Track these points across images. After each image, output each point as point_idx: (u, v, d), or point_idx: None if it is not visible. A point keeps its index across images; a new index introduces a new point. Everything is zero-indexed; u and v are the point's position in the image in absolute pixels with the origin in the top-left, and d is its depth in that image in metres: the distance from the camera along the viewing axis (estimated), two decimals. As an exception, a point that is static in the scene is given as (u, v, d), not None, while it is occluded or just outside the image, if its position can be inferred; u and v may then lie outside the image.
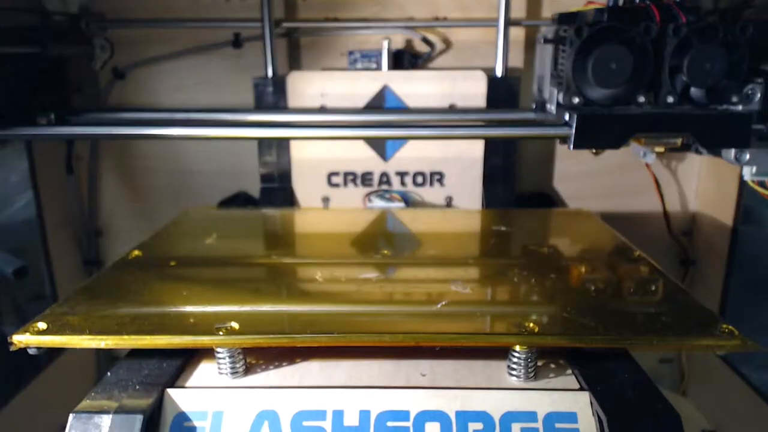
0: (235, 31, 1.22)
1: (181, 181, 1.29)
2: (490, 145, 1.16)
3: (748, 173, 0.85)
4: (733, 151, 0.83)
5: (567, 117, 0.84)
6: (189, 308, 0.65)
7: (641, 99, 0.83)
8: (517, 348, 0.57)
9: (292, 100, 1.15)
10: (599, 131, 0.82)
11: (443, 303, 0.67)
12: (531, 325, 0.60)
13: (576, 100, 0.84)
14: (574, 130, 0.81)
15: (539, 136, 0.91)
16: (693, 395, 1.23)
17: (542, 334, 0.59)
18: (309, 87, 1.15)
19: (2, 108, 0.93)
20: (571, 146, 0.82)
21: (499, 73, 1.15)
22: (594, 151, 0.98)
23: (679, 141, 0.83)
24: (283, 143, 1.17)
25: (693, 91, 0.83)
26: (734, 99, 0.82)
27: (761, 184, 0.88)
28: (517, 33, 1.20)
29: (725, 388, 1.12)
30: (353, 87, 1.15)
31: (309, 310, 0.68)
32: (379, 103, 1.15)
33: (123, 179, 1.31)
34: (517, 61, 1.22)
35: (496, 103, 1.15)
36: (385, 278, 0.76)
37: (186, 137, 0.94)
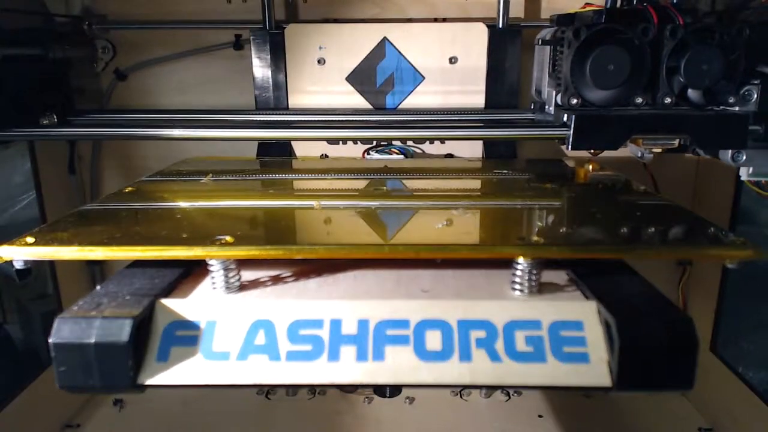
0: (236, 32, 1.23)
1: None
2: (491, 101, 1.16)
3: (744, 174, 0.86)
4: (730, 152, 0.84)
5: (565, 118, 0.84)
6: (183, 228, 0.64)
7: (639, 100, 0.84)
8: (521, 260, 0.56)
9: (290, 54, 1.15)
10: (597, 132, 0.83)
11: (444, 223, 0.66)
12: (535, 238, 0.59)
13: (574, 101, 0.85)
14: (572, 131, 0.82)
15: (537, 137, 0.91)
16: (690, 394, 1.24)
17: (546, 244, 0.58)
18: (307, 40, 1.15)
19: (5, 109, 0.93)
20: (569, 147, 0.83)
21: (500, 24, 1.14)
22: (592, 151, 0.99)
23: (676, 142, 0.84)
24: (280, 91, 1.17)
25: (690, 92, 0.84)
26: (731, 100, 0.83)
27: (758, 184, 0.89)
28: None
29: (722, 386, 1.13)
30: (352, 39, 1.15)
31: (307, 231, 0.68)
32: (378, 55, 1.15)
33: (124, 179, 1.31)
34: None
35: (498, 55, 1.14)
36: (385, 207, 0.75)
37: (187, 138, 0.93)
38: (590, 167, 0.98)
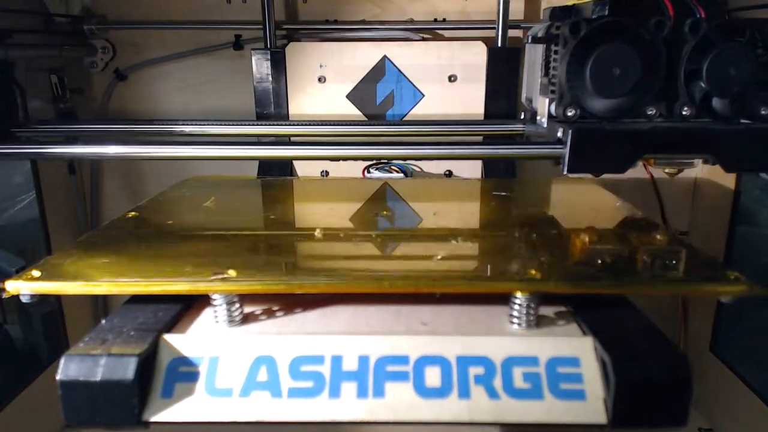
0: (236, 32, 1.23)
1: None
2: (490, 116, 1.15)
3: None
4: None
5: (560, 133, 0.71)
6: (186, 259, 0.64)
7: (651, 111, 0.71)
8: (519, 295, 0.56)
9: (291, 72, 1.15)
10: (600, 151, 0.70)
11: (443, 255, 0.66)
12: (533, 272, 0.59)
13: (571, 112, 0.71)
14: (568, 149, 0.69)
15: (525, 156, 0.81)
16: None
17: (544, 280, 0.58)
18: (308, 58, 1.15)
19: None
20: (565, 169, 0.70)
21: (499, 42, 1.14)
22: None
23: (697, 162, 0.73)
24: (280, 108, 1.17)
25: (714, 101, 0.71)
26: (764, 111, 0.70)
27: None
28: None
29: (722, 386, 1.13)
30: (352, 58, 1.15)
31: (308, 262, 0.68)
32: (379, 73, 1.15)
33: (124, 179, 1.32)
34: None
35: (497, 73, 1.14)
36: (384, 234, 0.75)
37: (184, 158, 0.83)
38: (588, 189, 0.97)
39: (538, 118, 0.80)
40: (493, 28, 1.14)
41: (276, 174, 1.16)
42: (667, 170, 0.76)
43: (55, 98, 1.19)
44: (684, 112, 0.71)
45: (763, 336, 1.12)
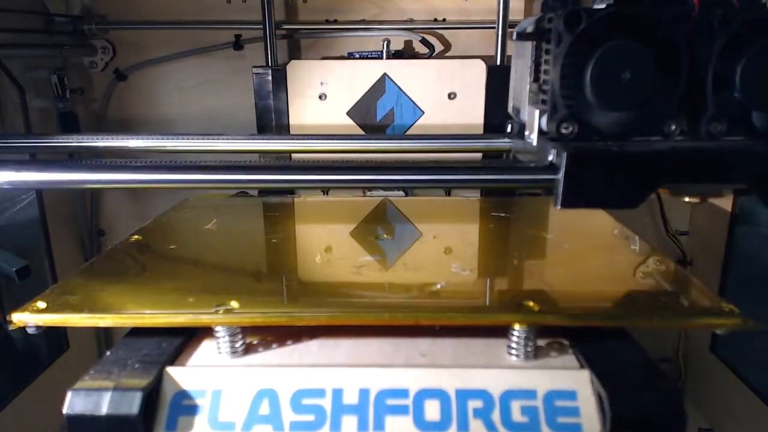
0: (236, 32, 1.23)
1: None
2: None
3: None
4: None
5: (552, 156, 0.56)
6: (189, 289, 0.65)
7: (670, 127, 0.55)
8: (517, 327, 0.56)
9: (292, 90, 1.16)
10: (604, 180, 0.54)
11: (442, 284, 0.66)
12: (531, 304, 0.59)
13: (567, 128, 0.54)
14: (562, 178, 0.53)
15: (507, 186, 0.73)
16: (690, 394, 1.24)
17: (542, 312, 0.58)
18: (308, 76, 1.15)
19: None
20: (558, 203, 0.55)
21: (498, 61, 1.15)
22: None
23: (727, 192, 0.61)
24: (282, 125, 1.17)
25: (753, 115, 0.55)
26: None
27: None
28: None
29: (722, 386, 1.13)
30: (353, 75, 1.15)
31: (309, 291, 0.68)
32: (379, 91, 1.15)
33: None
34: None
35: (496, 91, 1.14)
36: (384, 260, 0.76)
37: (177, 186, 0.67)
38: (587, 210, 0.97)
39: (526, 133, 0.62)
40: (493, 27, 1.14)
41: (275, 192, 1.16)
42: (687, 199, 0.62)
43: (56, 98, 1.19)
44: (712, 129, 0.54)
45: (763, 336, 1.12)
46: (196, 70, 1.26)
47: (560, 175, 0.53)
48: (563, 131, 0.54)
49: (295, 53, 1.25)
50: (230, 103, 1.26)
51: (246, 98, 1.21)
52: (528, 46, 0.62)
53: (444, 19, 1.20)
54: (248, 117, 1.20)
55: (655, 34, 0.52)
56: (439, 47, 1.22)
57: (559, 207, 0.54)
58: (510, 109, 0.72)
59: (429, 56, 1.20)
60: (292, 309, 0.61)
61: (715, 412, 1.16)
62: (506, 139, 0.81)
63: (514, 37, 0.65)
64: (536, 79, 0.60)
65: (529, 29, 0.59)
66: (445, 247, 0.82)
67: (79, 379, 0.53)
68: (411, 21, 1.20)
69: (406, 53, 1.19)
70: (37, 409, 1.08)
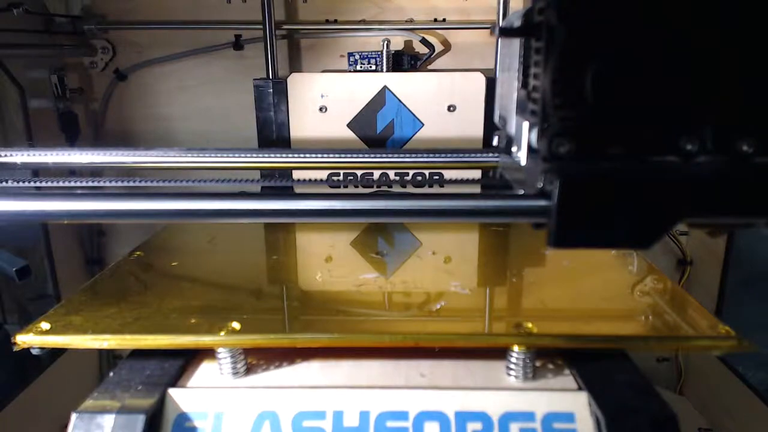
0: (236, 32, 1.23)
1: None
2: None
3: None
4: None
5: (542, 181, 0.44)
6: (191, 309, 0.66)
7: (689, 146, 0.42)
8: (516, 348, 0.57)
9: (293, 102, 1.16)
10: (607, 213, 0.43)
11: (441, 306, 0.68)
12: (529, 325, 0.60)
13: (562, 147, 0.42)
14: (555, 210, 0.42)
15: (488, 217, 0.66)
16: (690, 394, 1.24)
17: (540, 334, 0.59)
18: (309, 89, 1.15)
19: None
20: (551, 242, 0.44)
21: (497, 74, 1.14)
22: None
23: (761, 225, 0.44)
24: (283, 137, 1.17)
25: None
26: None
27: None
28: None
29: (722, 386, 1.13)
30: (353, 88, 1.15)
31: (309, 311, 0.69)
32: (379, 103, 1.15)
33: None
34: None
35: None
36: (384, 279, 0.77)
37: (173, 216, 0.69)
38: None
39: (513, 149, 0.51)
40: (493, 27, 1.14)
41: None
42: (708, 231, 0.52)
43: (55, 98, 1.19)
44: (745, 148, 0.42)
45: (763, 336, 1.12)
46: (196, 70, 1.26)
47: (553, 206, 0.42)
48: (558, 149, 0.42)
49: (295, 53, 1.25)
50: (230, 103, 1.26)
51: (246, 98, 1.20)
52: (513, 46, 0.51)
53: (444, 19, 1.20)
54: (248, 117, 1.19)
55: (667, 27, 0.40)
56: (439, 47, 1.22)
57: (551, 246, 0.44)
58: (496, 119, 0.59)
59: (428, 56, 1.20)
60: (294, 332, 0.62)
61: (715, 412, 1.16)
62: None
63: (496, 32, 0.56)
64: (524, 84, 0.48)
65: (517, 24, 0.45)
66: (443, 263, 0.83)
67: (83, 400, 0.54)
68: (411, 21, 1.20)
69: (406, 55, 1.19)
70: (37, 409, 1.08)
